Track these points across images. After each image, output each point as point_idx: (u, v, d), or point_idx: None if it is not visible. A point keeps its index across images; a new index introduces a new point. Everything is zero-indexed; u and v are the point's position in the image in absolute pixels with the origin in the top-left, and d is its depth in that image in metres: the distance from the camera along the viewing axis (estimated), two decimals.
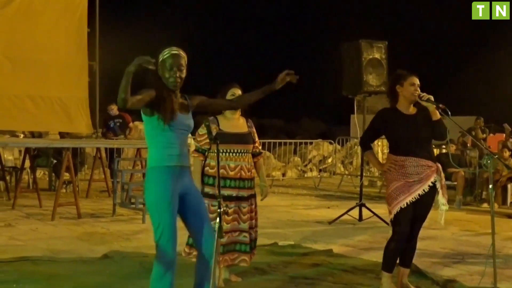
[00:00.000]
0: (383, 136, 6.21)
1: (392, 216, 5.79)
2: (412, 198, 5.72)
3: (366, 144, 6.22)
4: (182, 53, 4.63)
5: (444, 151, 14.63)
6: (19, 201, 11.34)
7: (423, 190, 5.74)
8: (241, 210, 6.01)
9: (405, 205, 5.71)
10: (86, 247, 7.95)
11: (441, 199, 5.87)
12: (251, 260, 6.19)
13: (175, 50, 4.61)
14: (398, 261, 6.04)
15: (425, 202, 5.80)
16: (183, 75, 4.61)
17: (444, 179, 5.94)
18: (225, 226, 5.77)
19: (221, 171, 5.85)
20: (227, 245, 5.95)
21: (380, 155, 16.34)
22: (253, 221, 6.16)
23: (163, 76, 4.58)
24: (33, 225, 9.52)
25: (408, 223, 5.79)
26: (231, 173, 5.95)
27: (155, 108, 4.50)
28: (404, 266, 6.06)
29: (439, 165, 5.91)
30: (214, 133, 5.80)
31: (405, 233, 5.80)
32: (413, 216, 5.80)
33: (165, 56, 4.58)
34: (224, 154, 5.93)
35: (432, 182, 5.79)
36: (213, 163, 5.88)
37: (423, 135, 5.82)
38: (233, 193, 5.94)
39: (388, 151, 6.25)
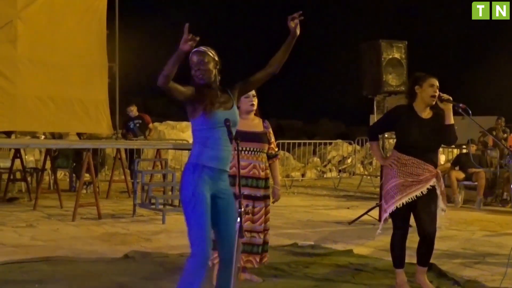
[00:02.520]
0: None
1: (387, 215, 5.89)
2: (409, 199, 5.81)
3: (374, 134, 6.28)
4: (203, 48, 4.64)
5: (464, 151, 14.55)
6: (40, 202, 11.41)
7: (421, 192, 5.82)
8: (254, 210, 6.03)
9: (401, 205, 5.78)
10: (107, 248, 7.99)
11: (440, 204, 5.91)
12: (261, 263, 6.20)
13: (195, 48, 4.61)
14: (416, 262, 6.10)
15: (426, 203, 5.86)
16: (207, 67, 4.60)
17: (443, 186, 6.02)
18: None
19: (233, 168, 5.88)
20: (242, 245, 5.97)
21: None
22: (266, 223, 6.17)
23: (192, 75, 4.64)
24: (54, 225, 9.59)
25: (403, 220, 5.93)
26: (242, 171, 5.95)
27: (196, 105, 4.53)
28: (421, 265, 6.08)
29: (439, 172, 6.00)
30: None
31: (403, 228, 5.96)
32: (420, 217, 5.87)
33: (190, 56, 4.63)
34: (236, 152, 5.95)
35: (431, 186, 5.86)
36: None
37: (433, 142, 5.89)
38: (245, 191, 5.93)
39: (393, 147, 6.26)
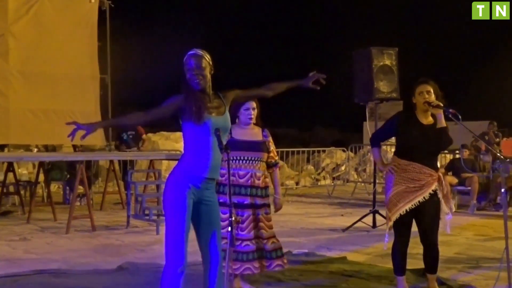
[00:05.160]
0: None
1: (391, 223, 5.88)
2: (412, 205, 5.81)
3: (376, 141, 6.33)
4: (200, 52, 4.64)
5: (457, 156, 14.59)
6: (33, 215, 11.40)
7: (423, 197, 5.81)
8: (257, 218, 6.04)
9: (404, 212, 5.79)
10: (101, 259, 7.98)
11: (443, 208, 5.90)
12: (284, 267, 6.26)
13: (191, 52, 4.65)
14: (424, 269, 6.17)
15: (429, 210, 5.85)
16: (205, 73, 4.60)
17: (446, 189, 5.98)
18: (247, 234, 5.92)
19: (231, 178, 5.89)
20: (257, 252, 6.00)
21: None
22: (265, 231, 6.17)
23: (188, 79, 4.62)
24: (48, 238, 9.58)
25: (407, 228, 5.92)
26: (241, 180, 5.98)
27: (185, 112, 4.54)
28: (430, 273, 6.11)
29: (441, 175, 5.97)
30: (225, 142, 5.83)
31: (406, 236, 5.94)
32: (421, 225, 5.88)
33: (184, 59, 4.64)
34: (234, 161, 5.95)
35: (433, 190, 5.85)
36: (223, 171, 5.86)
37: (432, 147, 5.88)
38: (246, 200, 5.98)
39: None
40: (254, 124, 6.20)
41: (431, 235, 5.92)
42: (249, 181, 6.02)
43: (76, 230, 10.27)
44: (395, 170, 5.89)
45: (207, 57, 4.67)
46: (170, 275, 4.47)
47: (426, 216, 5.84)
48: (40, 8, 13.22)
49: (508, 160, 6.14)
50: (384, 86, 10.52)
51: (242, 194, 5.97)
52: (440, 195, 5.88)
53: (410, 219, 5.88)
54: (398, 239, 5.97)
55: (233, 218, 4.17)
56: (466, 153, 13.93)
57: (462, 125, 5.71)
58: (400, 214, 5.82)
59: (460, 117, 5.70)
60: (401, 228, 5.90)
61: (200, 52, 4.65)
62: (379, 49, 10.62)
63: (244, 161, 6.03)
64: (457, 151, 14.61)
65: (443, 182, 5.93)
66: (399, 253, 6.00)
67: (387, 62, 10.59)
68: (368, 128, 11.47)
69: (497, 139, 16.60)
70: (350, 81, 11.07)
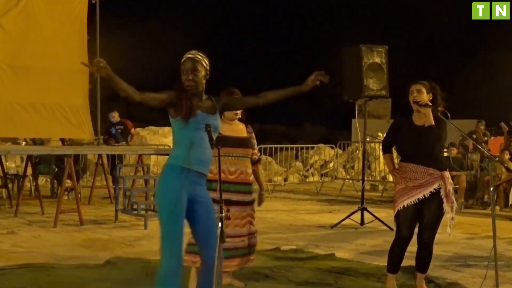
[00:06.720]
0: None
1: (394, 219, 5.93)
2: (410, 202, 5.81)
3: (386, 148, 6.37)
4: (199, 56, 4.61)
5: (445, 154, 14.63)
6: (21, 208, 11.35)
7: (424, 195, 5.80)
8: (241, 215, 6.02)
9: (402, 207, 5.83)
10: (89, 254, 7.97)
11: (445, 206, 5.88)
12: (245, 264, 6.17)
13: (191, 54, 4.62)
14: (415, 267, 6.17)
15: (429, 209, 5.85)
16: (198, 78, 4.58)
17: (449, 188, 5.90)
18: (228, 231, 5.79)
19: (221, 175, 5.86)
20: (229, 250, 5.93)
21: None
22: (253, 226, 6.16)
23: (182, 80, 4.61)
24: (36, 232, 9.54)
25: (408, 227, 5.90)
26: (231, 177, 5.95)
27: (175, 109, 4.53)
28: (419, 271, 6.13)
29: (445, 173, 5.91)
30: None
31: (404, 236, 5.92)
32: (420, 222, 5.89)
33: (182, 60, 4.62)
34: (224, 157, 5.89)
35: (435, 189, 5.82)
36: (213, 167, 5.64)
37: (424, 146, 5.86)
38: (233, 197, 5.92)
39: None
40: (239, 120, 6.19)
41: (426, 233, 5.92)
42: (239, 178, 6.00)
43: (64, 224, 10.24)
44: (398, 172, 5.96)
45: (205, 62, 4.65)
46: (166, 275, 4.43)
47: (425, 214, 5.85)
48: (29, 1, 13.14)
49: (496, 158, 6.14)
50: (373, 84, 10.53)
51: (231, 191, 5.92)
52: (442, 193, 5.86)
53: (412, 219, 5.87)
54: (397, 238, 5.97)
55: (223, 214, 4.15)
56: (454, 151, 14.01)
57: (451, 123, 5.74)
58: (398, 210, 5.83)
59: (449, 115, 5.73)
60: (402, 227, 5.89)
61: (198, 56, 4.61)
62: (369, 46, 10.64)
63: (234, 158, 5.99)
64: (445, 150, 14.66)
65: (446, 180, 5.89)
66: (395, 252, 5.99)
67: (377, 59, 10.60)
68: (357, 125, 11.49)
69: (485, 138, 16.69)
70: (338, 78, 11.07)
